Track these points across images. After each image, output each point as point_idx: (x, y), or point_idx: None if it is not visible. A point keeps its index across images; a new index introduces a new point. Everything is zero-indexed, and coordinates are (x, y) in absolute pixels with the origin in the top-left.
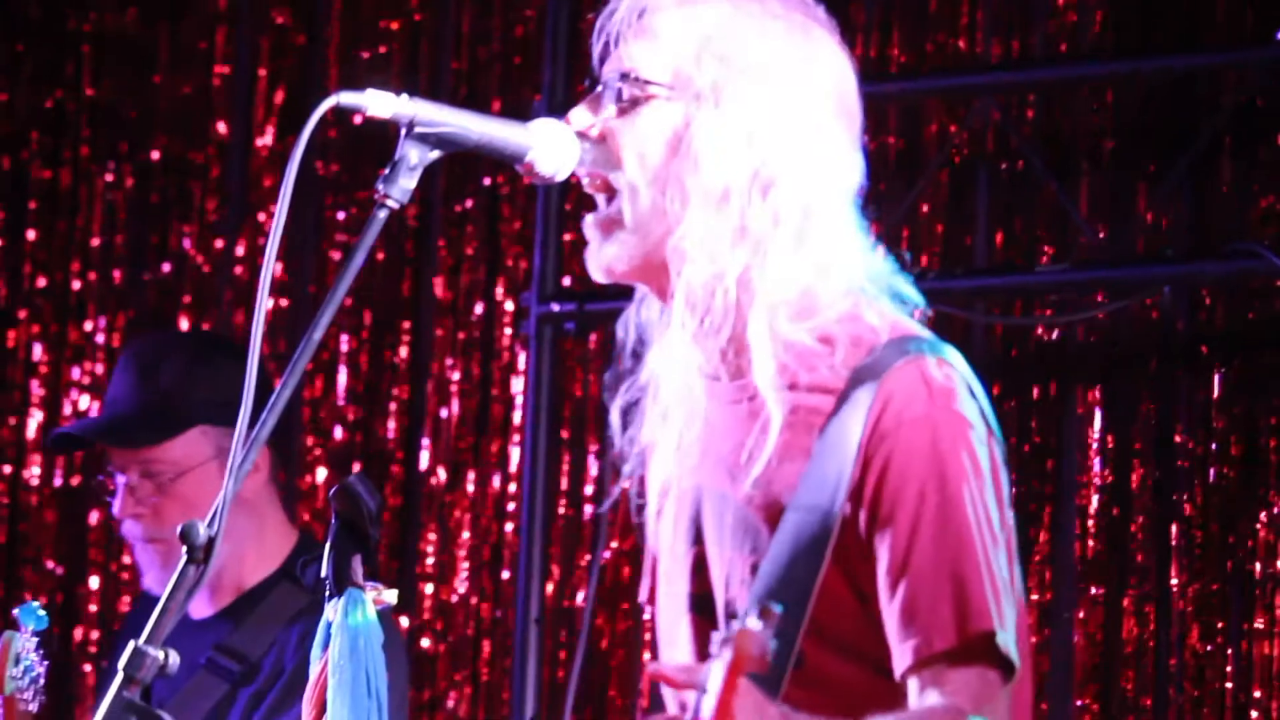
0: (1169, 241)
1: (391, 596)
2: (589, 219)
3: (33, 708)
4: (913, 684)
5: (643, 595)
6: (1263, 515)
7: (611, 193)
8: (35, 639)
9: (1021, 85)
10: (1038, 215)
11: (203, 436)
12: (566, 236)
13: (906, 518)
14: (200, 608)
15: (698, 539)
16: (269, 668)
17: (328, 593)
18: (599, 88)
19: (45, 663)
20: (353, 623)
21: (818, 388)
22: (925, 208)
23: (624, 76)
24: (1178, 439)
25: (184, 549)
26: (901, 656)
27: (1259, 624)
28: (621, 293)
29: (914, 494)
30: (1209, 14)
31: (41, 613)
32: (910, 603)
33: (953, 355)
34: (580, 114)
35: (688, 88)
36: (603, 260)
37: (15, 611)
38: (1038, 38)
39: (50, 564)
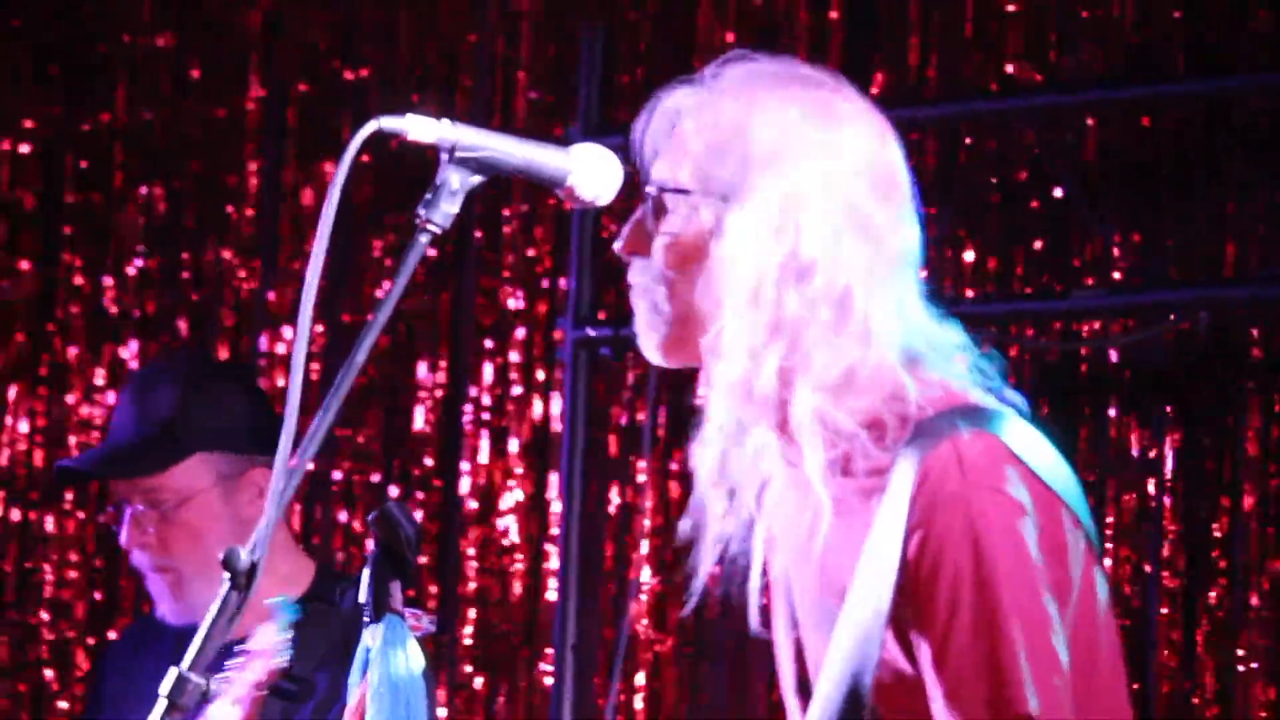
0: (1205, 266)
1: (430, 623)
2: (643, 322)
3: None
4: None
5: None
6: None
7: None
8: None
9: (1058, 110)
10: (1073, 239)
11: (203, 464)
12: (602, 261)
13: (943, 604)
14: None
15: (793, 624)
16: (324, 685)
17: (366, 618)
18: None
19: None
20: (392, 650)
21: (870, 470)
22: (958, 232)
23: (656, 187)
24: (1209, 464)
25: (226, 574)
26: None
27: None
28: None
29: (949, 579)
30: (1246, 36)
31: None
32: (948, 689)
33: (1000, 422)
34: (628, 238)
35: (712, 189)
36: (648, 353)
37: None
38: (1073, 61)
39: None
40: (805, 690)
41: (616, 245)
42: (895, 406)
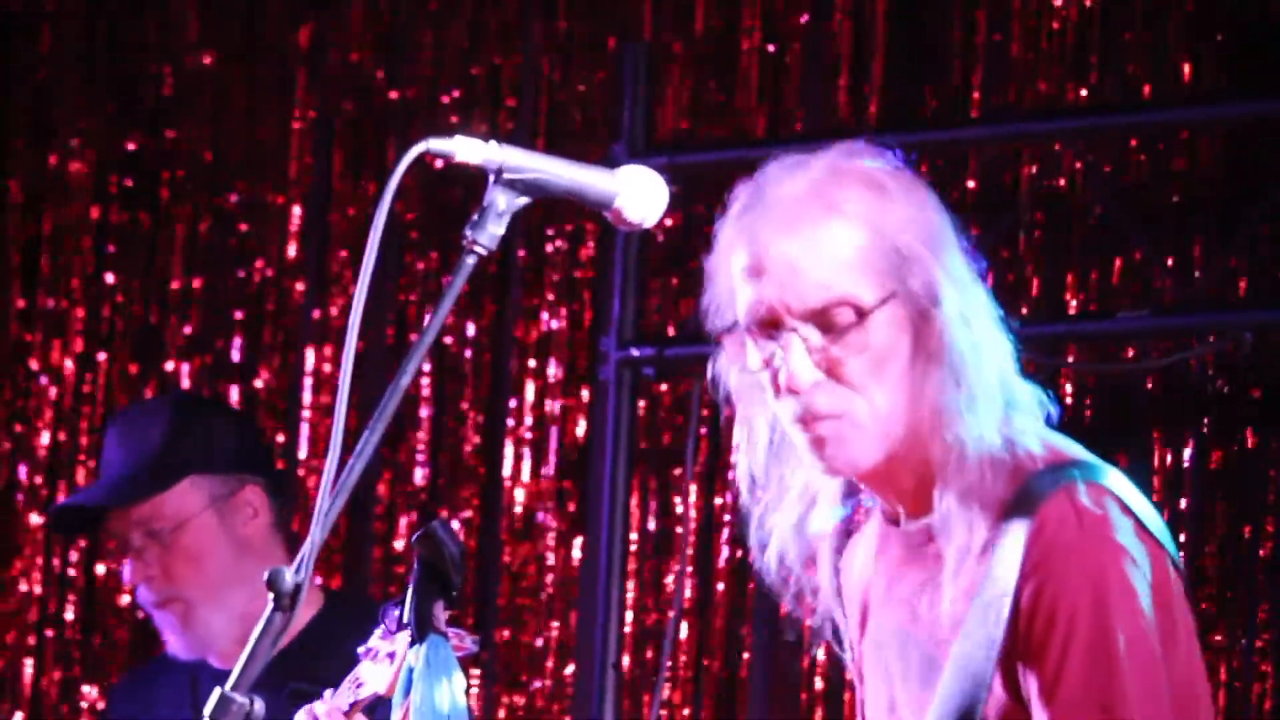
0: (1251, 287)
1: (474, 643)
2: (812, 431)
3: None
4: None
5: None
6: None
7: (844, 418)
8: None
9: (1099, 130)
10: (1117, 261)
11: (194, 487)
12: (649, 282)
13: (1056, 648)
14: (227, 658)
15: (890, 679)
16: None
17: (410, 639)
18: (776, 330)
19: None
20: (434, 669)
21: (985, 518)
22: (1001, 254)
23: (836, 304)
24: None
25: (270, 595)
26: None
27: None
28: (701, 338)
29: (1064, 624)
30: None
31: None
32: None
33: (1108, 476)
34: (802, 365)
35: (896, 293)
36: (853, 462)
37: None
38: (1116, 82)
39: None
40: None
41: (791, 381)
42: (1008, 457)
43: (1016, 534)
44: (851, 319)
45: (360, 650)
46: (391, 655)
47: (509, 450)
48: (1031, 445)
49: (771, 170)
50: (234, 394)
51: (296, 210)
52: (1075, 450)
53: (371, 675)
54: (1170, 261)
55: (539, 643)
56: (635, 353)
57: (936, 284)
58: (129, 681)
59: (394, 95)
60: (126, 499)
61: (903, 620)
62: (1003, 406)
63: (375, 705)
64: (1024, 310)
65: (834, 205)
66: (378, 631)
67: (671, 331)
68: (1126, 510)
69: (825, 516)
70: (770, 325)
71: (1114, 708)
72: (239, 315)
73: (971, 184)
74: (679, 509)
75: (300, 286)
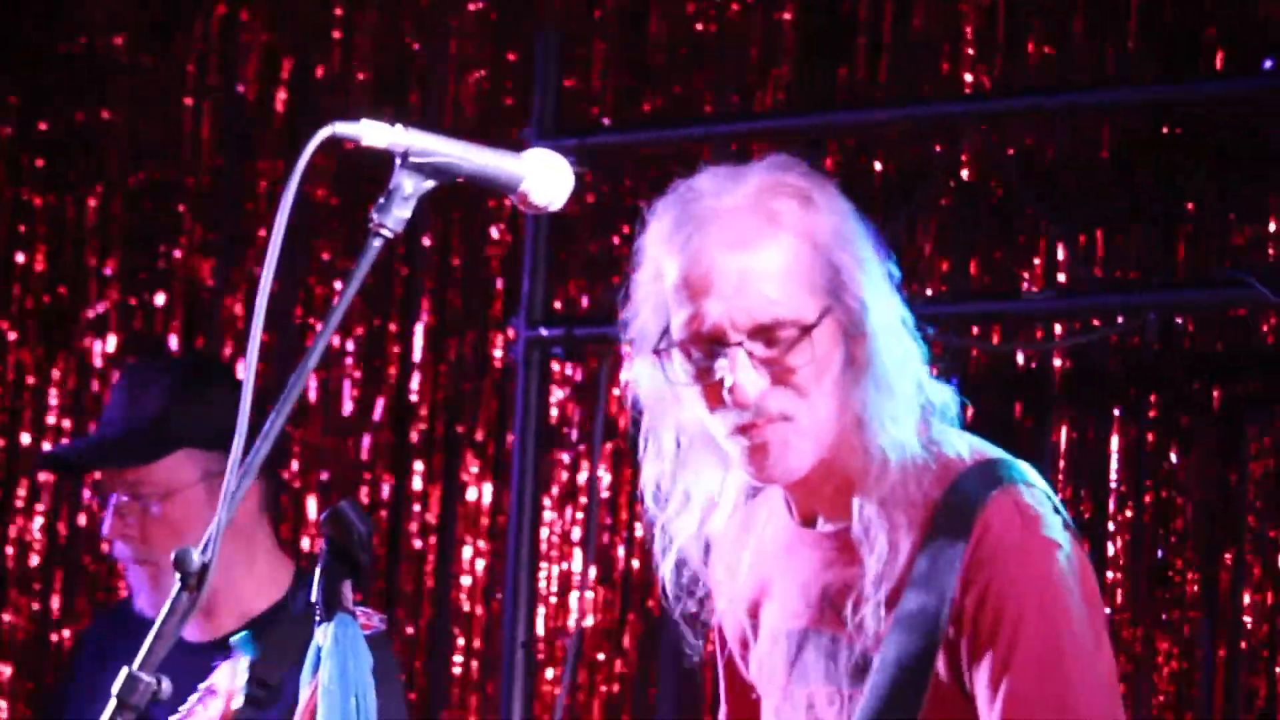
0: (1154, 269)
1: (381, 621)
2: (748, 439)
3: None
4: None
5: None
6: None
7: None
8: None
9: (1007, 113)
10: (1021, 241)
11: (188, 459)
12: (557, 259)
13: (1005, 638)
14: (197, 632)
15: (805, 678)
16: (293, 690)
17: (317, 618)
18: (719, 346)
19: None
20: (342, 647)
21: (909, 520)
22: (911, 235)
23: (783, 321)
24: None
25: (177, 575)
26: None
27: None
28: (609, 319)
29: (1012, 619)
30: (1195, 43)
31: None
32: (1009, 716)
33: (1031, 474)
34: (751, 379)
35: (831, 307)
36: (789, 470)
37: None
38: (1024, 65)
39: None
40: None
41: (747, 394)
42: (929, 459)
43: (953, 534)
44: (795, 334)
45: (201, 685)
46: (216, 692)
47: (420, 432)
48: (955, 447)
49: (704, 183)
50: None
51: (208, 192)
52: (994, 450)
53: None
54: (1075, 242)
55: (451, 626)
56: (544, 332)
57: (864, 297)
58: (94, 629)
59: (305, 78)
60: (116, 462)
61: (825, 621)
62: (921, 411)
63: None
64: (929, 291)
65: (774, 219)
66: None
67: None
68: (1054, 508)
69: (724, 517)
70: (713, 340)
71: (1067, 704)
72: (154, 297)
73: (879, 166)
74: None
75: (211, 270)
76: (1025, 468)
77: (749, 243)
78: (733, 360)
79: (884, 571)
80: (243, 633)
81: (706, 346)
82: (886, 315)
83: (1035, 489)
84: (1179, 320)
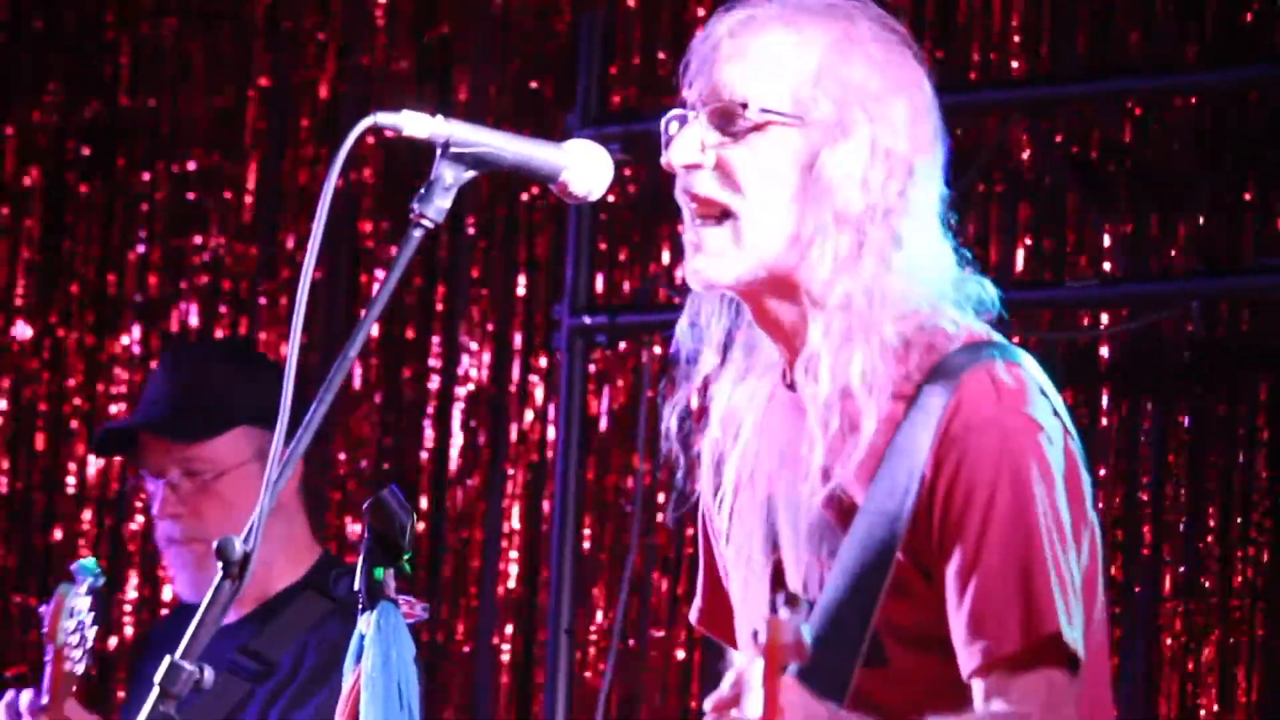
0: (1198, 257)
1: (423, 610)
2: (694, 234)
3: (79, 668)
4: (978, 686)
5: (694, 615)
6: None
7: (721, 217)
8: (90, 596)
9: (1052, 99)
10: (1067, 230)
11: (244, 436)
12: (600, 248)
13: (975, 521)
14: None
15: (774, 546)
16: (287, 665)
17: (360, 606)
18: (689, 113)
19: (96, 625)
20: (385, 636)
21: (895, 393)
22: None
23: (741, 105)
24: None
25: (219, 564)
26: (968, 659)
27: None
28: (654, 306)
29: (983, 497)
30: (1239, 29)
31: (98, 570)
32: (977, 605)
33: (1025, 358)
34: (685, 146)
35: (809, 117)
36: (714, 274)
37: (73, 566)
38: (1067, 52)
39: None
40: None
41: (671, 155)
42: (926, 335)
43: (929, 407)
44: (748, 121)
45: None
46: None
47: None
48: (950, 327)
49: None
50: None
51: (252, 180)
52: (992, 333)
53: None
54: (1120, 230)
55: (498, 608)
56: (588, 320)
57: (853, 136)
58: (164, 626)
59: (348, 66)
60: (180, 434)
61: (793, 487)
62: (930, 287)
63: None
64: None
65: (793, 24)
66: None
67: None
68: (1041, 391)
69: (725, 390)
70: (686, 112)
71: (1032, 579)
72: (198, 284)
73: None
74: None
75: (254, 253)
76: (1020, 352)
77: (755, 30)
78: (682, 125)
79: (855, 439)
80: (84, 560)
81: (680, 119)
82: (893, 167)
83: (1021, 367)
84: (1224, 308)
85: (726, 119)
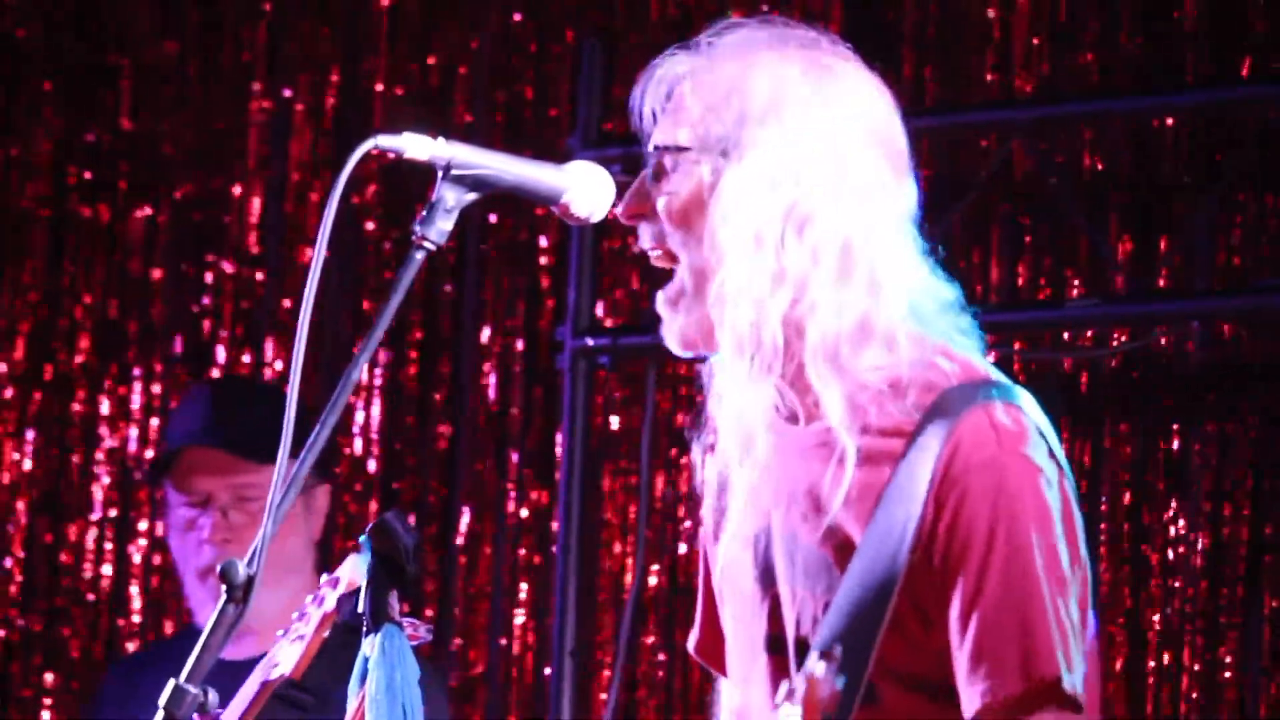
0: (1197, 277)
1: (427, 632)
2: (660, 296)
3: None
4: None
5: (691, 644)
6: None
7: (672, 259)
8: None
9: (1050, 120)
10: (1066, 250)
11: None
12: (601, 271)
13: (975, 563)
14: (242, 649)
15: (770, 580)
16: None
17: (365, 629)
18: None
19: None
20: (389, 658)
21: (889, 431)
22: (953, 242)
23: (656, 149)
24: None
25: (223, 588)
26: (969, 701)
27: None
28: (657, 328)
29: (982, 540)
30: (1239, 48)
31: None
32: (978, 648)
33: (1023, 399)
34: (628, 202)
35: (710, 145)
36: (676, 333)
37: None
38: (1066, 72)
39: None
40: (777, 646)
41: (619, 210)
42: (920, 372)
43: (928, 446)
44: (666, 163)
45: (278, 632)
46: (301, 637)
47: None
48: (946, 364)
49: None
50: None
51: (256, 202)
52: (990, 369)
53: (283, 656)
54: (1119, 250)
55: (501, 631)
56: (590, 342)
57: (748, 156)
58: (121, 671)
59: (352, 88)
60: (250, 452)
61: (791, 522)
62: (902, 309)
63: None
64: (989, 299)
65: (706, 67)
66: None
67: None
68: (1039, 433)
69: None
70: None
71: (1032, 622)
72: (202, 307)
73: (926, 172)
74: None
75: (260, 278)
76: (1019, 391)
77: (674, 74)
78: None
79: (857, 477)
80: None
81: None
82: (856, 206)
83: (1020, 409)
84: (1224, 327)
85: (658, 164)
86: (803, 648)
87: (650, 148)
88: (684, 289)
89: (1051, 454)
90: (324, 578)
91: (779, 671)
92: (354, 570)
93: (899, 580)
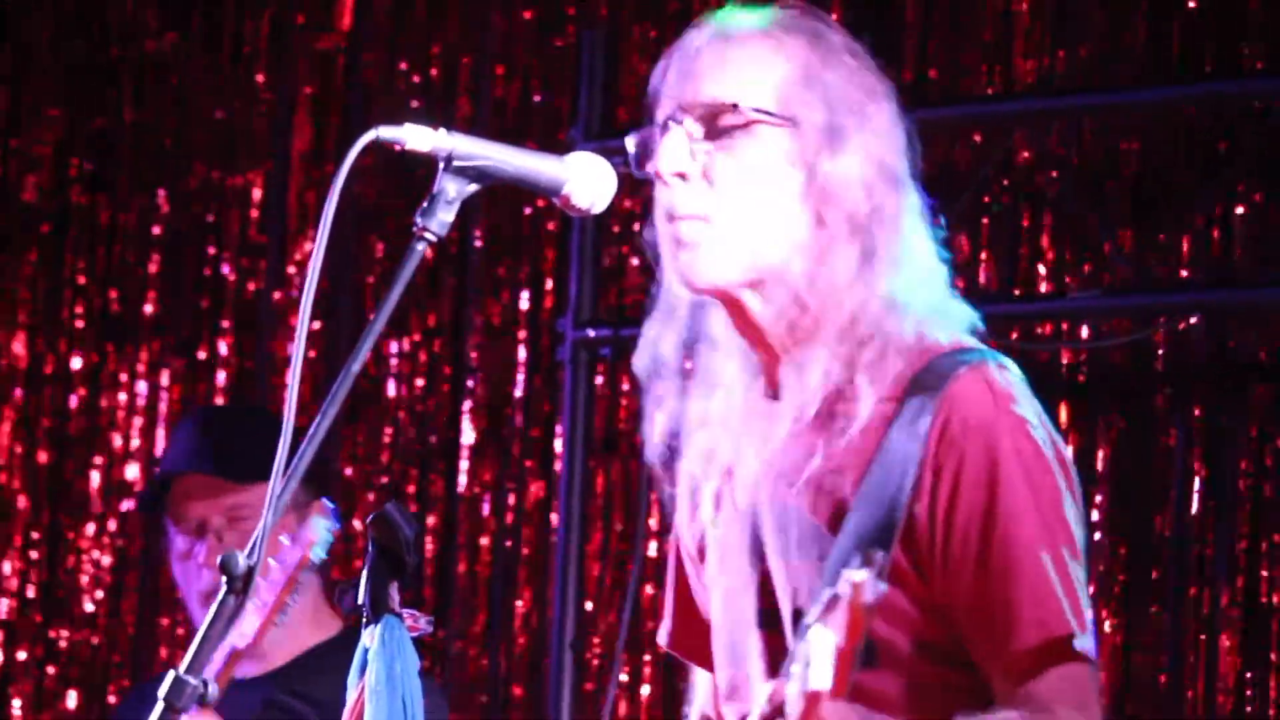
0: (1200, 269)
1: (427, 623)
2: (677, 229)
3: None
4: (998, 684)
5: (662, 637)
6: None
7: (704, 222)
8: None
9: (1054, 111)
10: (1069, 241)
11: None
12: (604, 262)
13: (979, 524)
14: (247, 668)
15: (759, 556)
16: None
17: (364, 620)
18: (669, 122)
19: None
20: (389, 649)
21: (884, 396)
22: (955, 233)
23: (731, 106)
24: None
25: (223, 579)
26: (986, 663)
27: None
28: None
29: (984, 501)
30: (1244, 41)
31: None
32: (986, 609)
33: (1011, 364)
34: (674, 152)
35: (800, 119)
36: (705, 270)
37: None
38: (1070, 63)
39: None
40: (770, 622)
41: (663, 164)
42: (914, 341)
43: (920, 409)
44: (738, 125)
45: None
46: (264, 604)
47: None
48: (940, 334)
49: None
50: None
51: (257, 193)
52: (977, 343)
53: (247, 625)
54: (1122, 242)
55: (500, 622)
56: (591, 333)
57: (849, 141)
58: (137, 695)
59: (354, 80)
60: (237, 474)
61: (781, 495)
62: (924, 297)
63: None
64: (978, 287)
65: (770, 34)
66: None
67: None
68: (1029, 395)
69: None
70: (669, 119)
71: (1040, 581)
72: (202, 300)
73: (925, 165)
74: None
75: (260, 271)
76: (1001, 355)
77: (738, 36)
78: (666, 132)
79: (849, 444)
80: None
81: (665, 128)
82: (884, 173)
83: (1010, 370)
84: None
85: (713, 122)
86: (801, 618)
87: (706, 102)
88: (722, 240)
89: (1043, 416)
90: (283, 538)
91: (774, 646)
92: (313, 531)
93: (897, 538)
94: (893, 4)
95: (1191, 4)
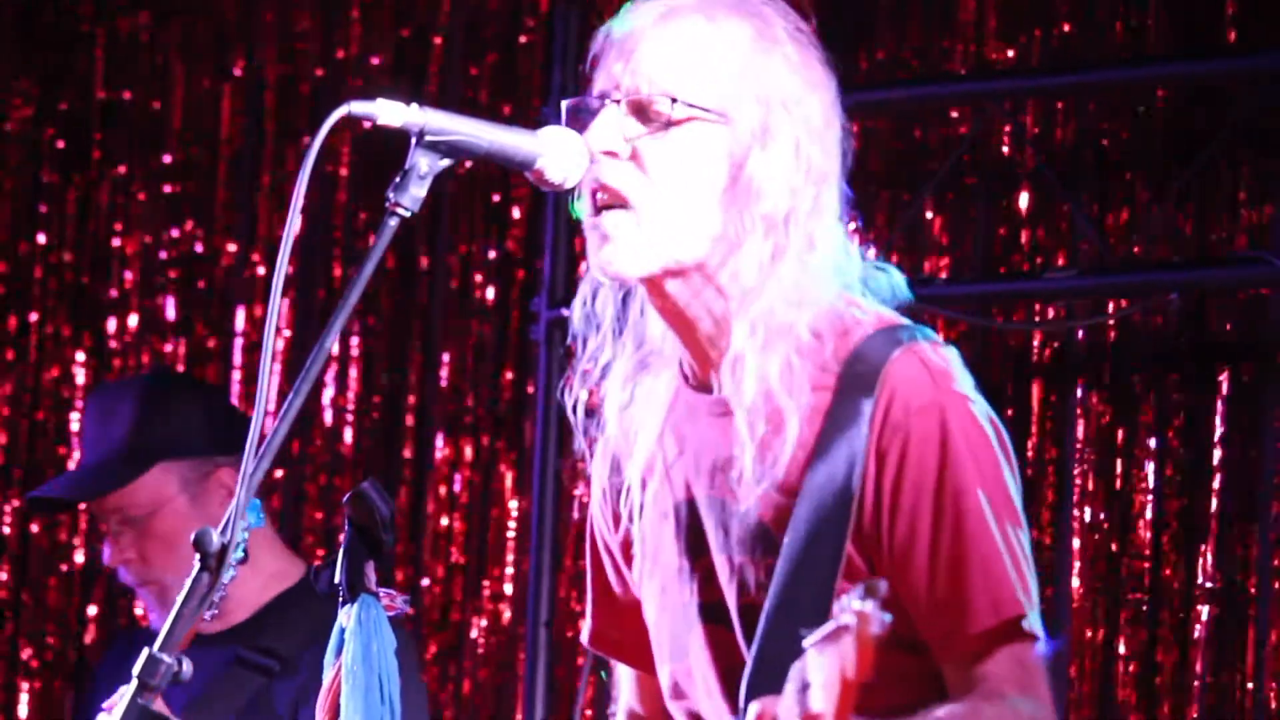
0: (1176, 248)
1: (404, 603)
2: (599, 221)
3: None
4: (948, 670)
5: (585, 636)
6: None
7: (626, 204)
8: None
9: (1029, 90)
10: (1045, 221)
11: (165, 473)
12: (577, 241)
13: (928, 508)
14: (208, 625)
15: (699, 550)
16: (307, 666)
17: (341, 599)
18: (604, 101)
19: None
20: (365, 629)
21: (814, 385)
22: (930, 213)
23: (669, 99)
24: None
25: (196, 556)
26: (937, 643)
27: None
28: None
29: (932, 484)
30: (1220, 21)
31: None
32: (938, 592)
33: (938, 338)
34: (606, 132)
35: (732, 117)
36: (623, 264)
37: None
38: (1045, 43)
39: None
40: (715, 615)
41: (594, 142)
42: (835, 322)
43: (858, 395)
44: (671, 115)
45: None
46: None
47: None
48: (859, 313)
49: None
50: (168, 350)
51: (227, 170)
52: (899, 317)
53: None
54: (1098, 222)
55: (474, 601)
56: (566, 312)
57: (779, 139)
58: (111, 652)
59: (327, 57)
60: (93, 493)
61: (715, 488)
62: (841, 281)
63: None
64: (963, 271)
65: (713, 19)
66: None
67: None
68: (963, 368)
69: (616, 386)
70: (602, 99)
71: (990, 562)
72: (172, 274)
73: (901, 145)
74: None
75: (232, 247)
76: (931, 332)
77: (675, 24)
78: (599, 112)
79: (781, 438)
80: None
81: (597, 106)
82: (812, 170)
83: (944, 347)
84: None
85: (647, 111)
86: (751, 613)
87: (641, 87)
88: (642, 230)
89: (975, 387)
90: None
91: (720, 640)
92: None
93: (848, 529)
94: None
95: None
